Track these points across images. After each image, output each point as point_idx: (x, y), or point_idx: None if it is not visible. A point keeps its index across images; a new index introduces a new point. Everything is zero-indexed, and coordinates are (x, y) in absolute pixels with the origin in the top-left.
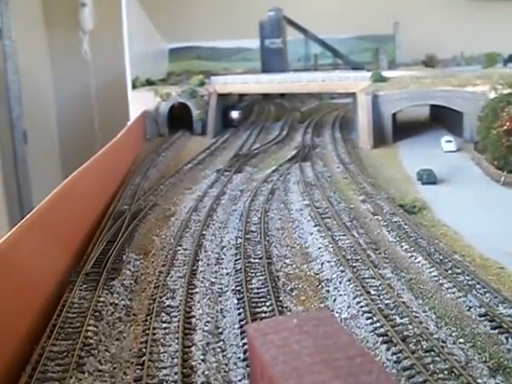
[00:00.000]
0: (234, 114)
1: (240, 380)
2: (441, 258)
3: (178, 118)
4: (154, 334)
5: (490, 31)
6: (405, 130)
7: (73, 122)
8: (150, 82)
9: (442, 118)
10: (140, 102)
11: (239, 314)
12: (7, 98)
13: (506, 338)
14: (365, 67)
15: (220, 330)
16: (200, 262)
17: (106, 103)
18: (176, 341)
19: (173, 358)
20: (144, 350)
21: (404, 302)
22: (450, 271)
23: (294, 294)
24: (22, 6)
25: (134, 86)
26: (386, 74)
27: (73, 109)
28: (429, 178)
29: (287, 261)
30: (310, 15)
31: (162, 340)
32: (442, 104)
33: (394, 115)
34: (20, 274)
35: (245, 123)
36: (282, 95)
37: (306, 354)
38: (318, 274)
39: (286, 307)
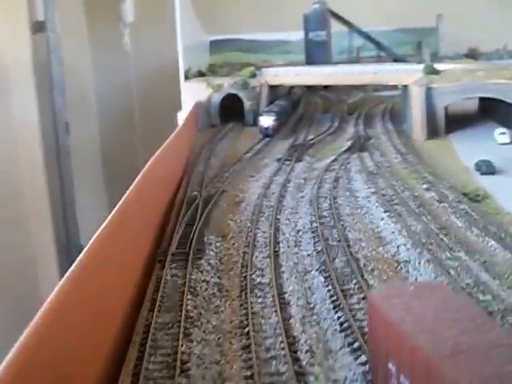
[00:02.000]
0: (266, 121)
1: (340, 348)
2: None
3: (228, 109)
4: (253, 308)
5: None
6: (456, 122)
7: (113, 113)
8: (201, 73)
9: (493, 111)
10: (192, 93)
11: (328, 290)
12: (50, 89)
13: None
14: (407, 60)
15: (312, 305)
16: (280, 244)
17: (147, 95)
18: (274, 313)
19: (275, 329)
20: (246, 321)
21: (483, 282)
22: None
23: (375, 273)
24: None
25: (186, 77)
26: (438, 66)
27: (114, 101)
28: (488, 169)
29: (363, 244)
30: (351, 7)
31: (260, 313)
32: (495, 97)
33: (445, 107)
34: (116, 258)
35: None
36: (326, 87)
37: (429, 315)
38: (394, 256)
39: (371, 285)
